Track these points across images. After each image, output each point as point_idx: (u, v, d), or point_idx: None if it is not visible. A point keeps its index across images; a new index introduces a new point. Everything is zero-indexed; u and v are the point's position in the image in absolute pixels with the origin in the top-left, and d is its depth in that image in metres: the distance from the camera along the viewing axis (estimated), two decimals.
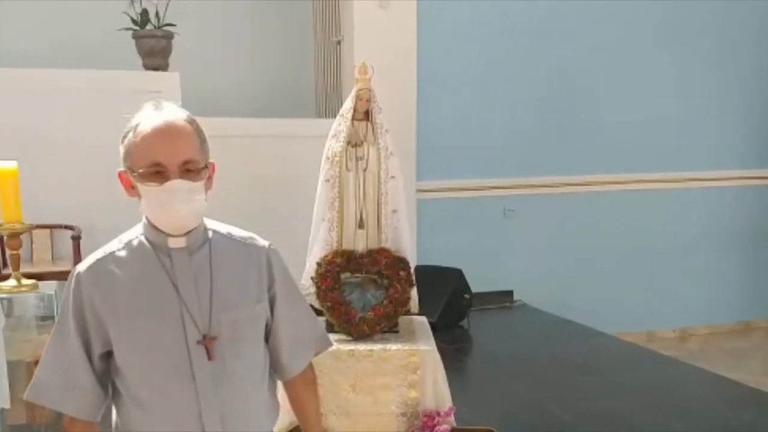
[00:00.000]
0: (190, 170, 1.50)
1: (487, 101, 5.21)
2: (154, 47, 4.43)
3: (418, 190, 4.97)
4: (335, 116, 3.44)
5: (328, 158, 3.27)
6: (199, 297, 1.53)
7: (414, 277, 3.25)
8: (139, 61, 4.47)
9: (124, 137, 1.52)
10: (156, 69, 4.43)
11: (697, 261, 5.77)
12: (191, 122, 1.53)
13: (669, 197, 5.67)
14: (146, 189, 1.49)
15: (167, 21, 4.45)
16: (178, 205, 1.50)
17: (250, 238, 1.66)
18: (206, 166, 1.53)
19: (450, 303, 4.58)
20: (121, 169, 1.53)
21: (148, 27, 4.44)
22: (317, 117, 5.40)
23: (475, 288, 4.75)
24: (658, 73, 5.57)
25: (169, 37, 4.46)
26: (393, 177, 3.29)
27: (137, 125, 1.50)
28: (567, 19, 5.27)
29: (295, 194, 4.35)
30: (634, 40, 5.48)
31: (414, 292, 3.27)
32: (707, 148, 5.71)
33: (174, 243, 1.54)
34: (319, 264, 3.19)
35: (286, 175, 4.53)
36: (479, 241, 5.19)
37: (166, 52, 4.47)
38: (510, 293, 5.24)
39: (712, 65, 5.64)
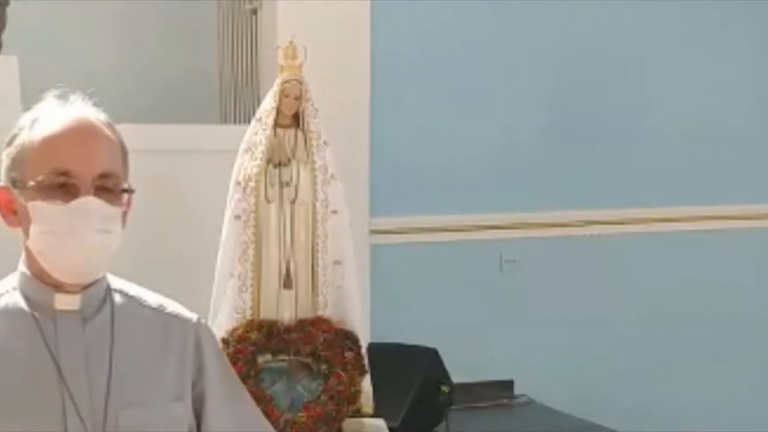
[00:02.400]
0: (107, 188, 1.55)
1: (476, 100, 5.22)
2: None
3: (373, 231, 4.96)
4: (249, 121, 3.49)
5: (238, 183, 3.33)
6: (91, 384, 1.56)
7: (366, 361, 3.30)
8: None
9: (12, 139, 1.54)
10: None
11: None
12: (110, 127, 1.58)
13: (747, 242, 5.72)
14: (43, 209, 1.52)
15: None
16: (88, 234, 1.52)
17: (172, 307, 1.70)
18: (127, 190, 1.57)
19: (420, 399, 4.60)
20: (1, 183, 1.55)
21: None
22: (222, 122, 5.42)
23: (456, 377, 4.74)
24: (732, 60, 5.64)
25: (3, 3, 4.48)
26: (335, 212, 3.36)
27: (35, 121, 1.53)
28: None
29: (189, 237, 4.37)
30: (694, 11, 5.53)
31: (366, 383, 3.32)
32: None
33: (63, 303, 1.57)
34: (225, 341, 3.23)
35: (176, 209, 4.54)
36: (464, 307, 5.21)
37: None
38: (509, 384, 5.25)
39: None
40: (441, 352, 4.72)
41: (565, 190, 5.39)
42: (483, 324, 5.24)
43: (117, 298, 1.63)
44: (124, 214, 1.62)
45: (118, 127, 1.67)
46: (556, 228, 5.38)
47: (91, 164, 1.52)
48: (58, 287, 1.54)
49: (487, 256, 5.28)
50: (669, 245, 5.56)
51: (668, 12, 5.49)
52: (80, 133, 1.54)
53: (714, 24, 5.58)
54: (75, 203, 1.49)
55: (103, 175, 1.53)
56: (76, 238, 1.50)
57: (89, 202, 1.50)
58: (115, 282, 1.66)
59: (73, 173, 1.50)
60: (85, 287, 1.58)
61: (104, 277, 1.62)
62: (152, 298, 1.71)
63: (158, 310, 1.68)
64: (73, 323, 1.55)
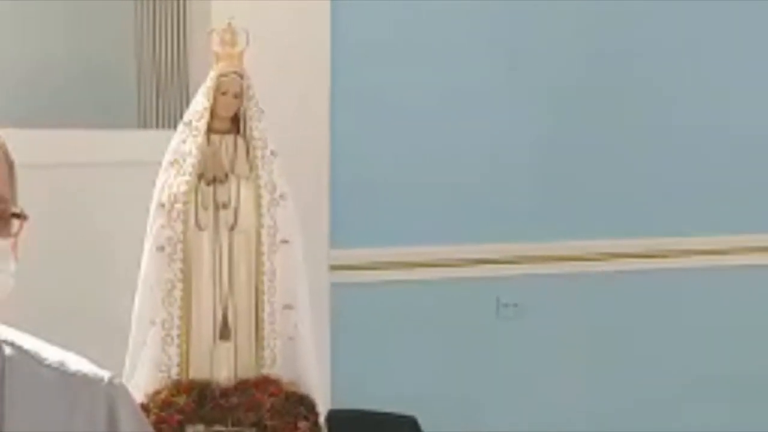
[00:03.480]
0: None
1: (465, 101, 5.23)
2: None
3: (333, 267, 4.96)
4: (175, 125, 3.50)
5: (162, 205, 3.33)
6: None
7: None
8: None
9: None
10: None
11: None
12: None
13: None
14: None
15: None
16: None
17: (77, 365, 1.69)
18: (17, 215, 1.58)
19: None
20: None
21: None
22: (140, 127, 5.41)
23: None
24: None
25: None
26: (285, 241, 3.36)
27: None
28: None
29: (98, 274, 4.36)
30: None
31: None
32: None
33: None
34: (145, 407, 3.22)
35: (80, 237, 4.53)
36: (450, 364, 5.22)
37: None
38: None
39: None
40: (421, 421, 4.72)
41: (578, 215, 5.39)
42: (475, 386, 5.24)
43: (8, 352, 1.60)
44: (14, 246, 1.61)
45: (3, 132, 1.65)
46: (568, 263, 5.39)
47: None
48: None
49: (481, 298, 5.29)
50: (714, 284, 5.57)
51: None
52: None
53: (764, 12, 5.62)
54: None
55: None
56: None
57: None
58: (5, 332, 1.64)
59: None
60: None
61: None
62: (52, 353, 1.67)
63: (60, 371, 1.65)
64: None
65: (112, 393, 1.67)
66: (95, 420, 1.64)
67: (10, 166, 1.60)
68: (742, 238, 5.59)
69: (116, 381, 1.69)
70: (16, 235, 1.58)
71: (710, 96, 5.54)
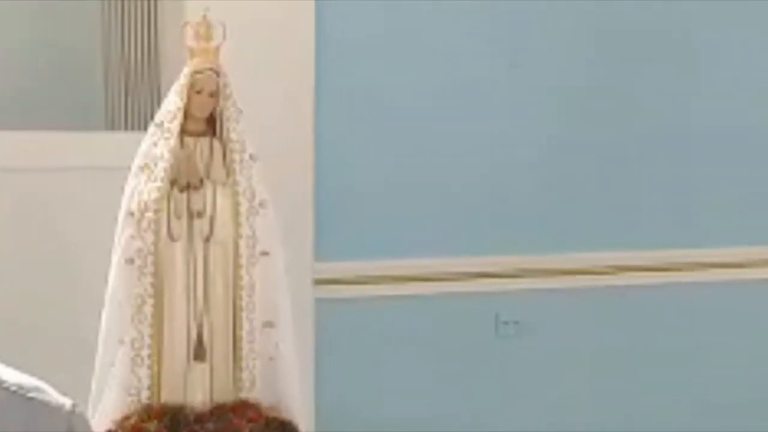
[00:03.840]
0: None
1: (462, 101, 5.22)
2: None
3: (318, 281, 4.96)
4: (146, 127, 3.49)
5: (131, 214, 3.32)
6: None
7: None
8: None
9: None
10: None
11: None
12: None
13: None
14: None
15: None
16: None
17: (37, 389, 1.69)
18: None
19: None
20: None
21: None
22: (108, 129, 5.40)
23: None
24: None
25: None
26: (266, 253, 3.35)
27: None
28: None
29: (61, 288, 4.34)
30: None
31: None
32: None
33: None
34: None
35: (42, 248, 4.52)
36: (445, 387, 5.19)
37: None
38: None
39: None
40: None
41: (584, 225, 5.38)
42: (472, 410, 5.21)
43: None
44: None
45: None
46: (573, 277, 5.38)
47: None
48: None
49: (478, 315, 5.27)
50: (731, 299, 5.56)
51: None
52: None
53: None
54: None
55: None
56: None
57: None
58: None
59: None
60: None
61: None
62: (11, 375, 1.67)
63: (18, 394, 1.64)
64: None
65: (73, 422, 1.66)
66: None
67: None
68: (760, 249, 5.58)
69: (78, 410, 1.68)
70: None
71: (723, 99, 5.52)
